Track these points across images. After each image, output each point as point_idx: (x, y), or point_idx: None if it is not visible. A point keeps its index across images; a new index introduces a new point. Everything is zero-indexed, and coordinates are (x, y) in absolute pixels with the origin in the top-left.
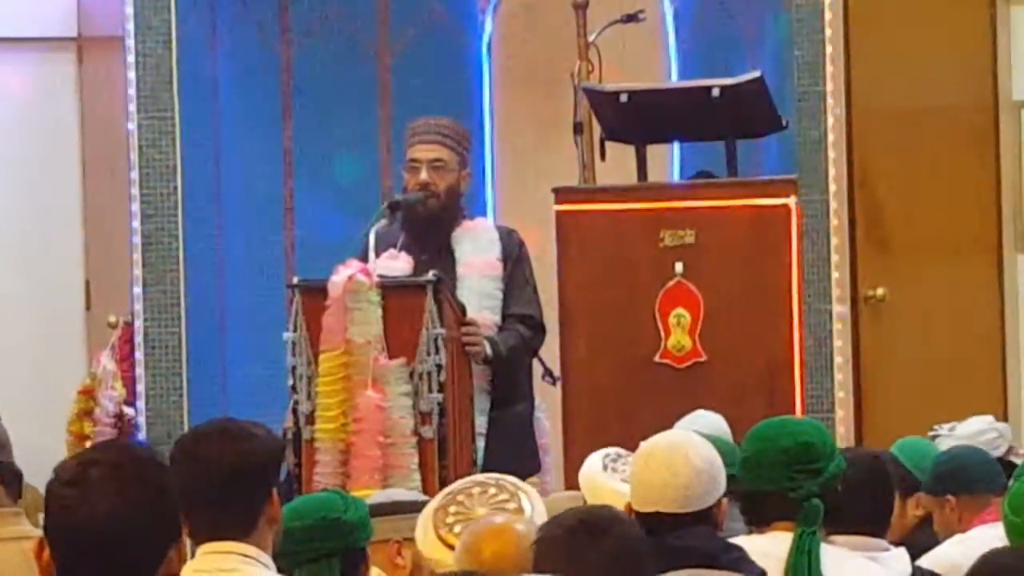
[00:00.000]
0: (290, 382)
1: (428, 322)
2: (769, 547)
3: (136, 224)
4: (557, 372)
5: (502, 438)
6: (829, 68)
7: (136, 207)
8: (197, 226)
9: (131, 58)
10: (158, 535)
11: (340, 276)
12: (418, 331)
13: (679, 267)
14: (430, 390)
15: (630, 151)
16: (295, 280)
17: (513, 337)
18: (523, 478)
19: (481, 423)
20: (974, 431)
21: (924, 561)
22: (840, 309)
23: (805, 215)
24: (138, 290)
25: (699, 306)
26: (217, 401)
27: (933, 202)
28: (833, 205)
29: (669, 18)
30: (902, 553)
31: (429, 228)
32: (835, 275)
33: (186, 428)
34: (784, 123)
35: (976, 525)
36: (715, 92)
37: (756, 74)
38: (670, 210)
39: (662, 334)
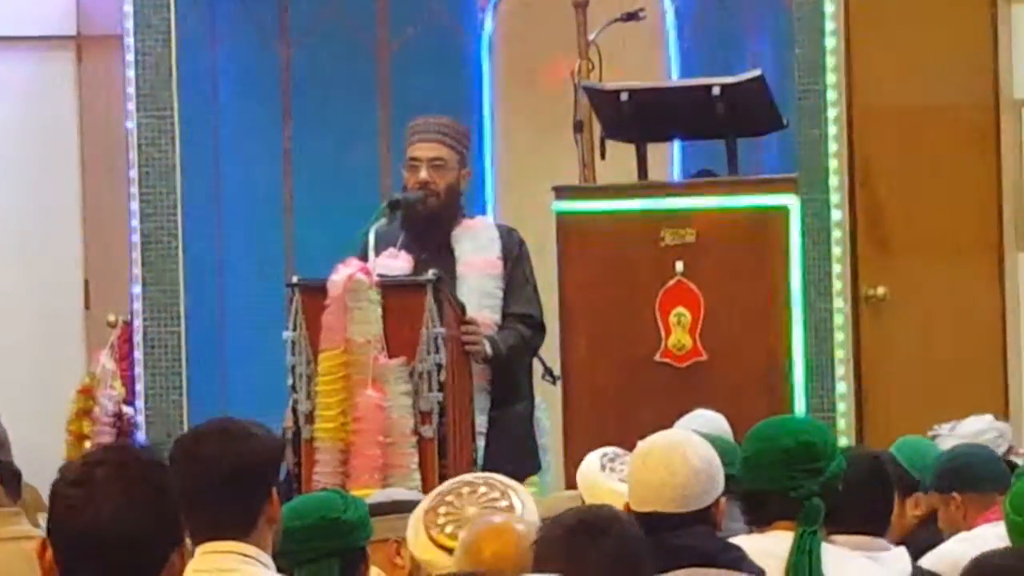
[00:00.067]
0: (290, 381)
1: (428, 321)
2: (770, 547)
3: (135, 223)
4: (557, 371)
5: (502, 437)
6: (830, 67)
7: (135, 206)
8: (196, 225)
9: (130, 57)
10: (161, 537)
11: (340, 275)
12: (418, 330)
13: (679, 266)
14: (430, 389)
15: (630, 150)
16: (295, 279)
17: (513, 336)
18: (523, 477)
19: (481, 422)
20: (974, 430)
21: (928, 559)
22: (841, 308)
23: (806, 214)
24: (137, 289)
25: (699, 305)
26: (216, 400)
27: (934, 201)
28: (834, 204)
29: (670, 17)
30: (902, 553)
31: (429, 227)
32: (836, 274)
33: (185, 427)
34: (785, 122)
35: (980, 523)
36: (715, 91)
37: (757, 73)
38: (670, 209)
39: (662, 333)
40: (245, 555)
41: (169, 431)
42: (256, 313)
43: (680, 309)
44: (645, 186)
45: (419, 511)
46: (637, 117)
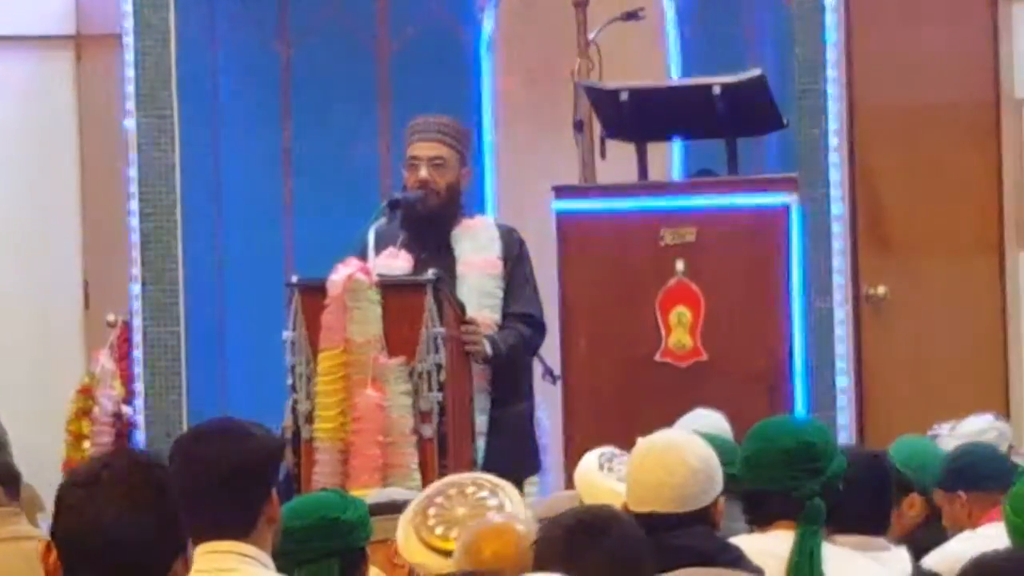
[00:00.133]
0: (289, 381)
1: (428, 321)
2: (771, 546)
3: (135, 223)
4: (557, 371)
5: (502, 437)
6: (830, 66)
7: (135, 206)
8: (196, 225)
9: (130, 56)
10: (165, 543)
11: (339, 275)
12: (418, 330)
13: (680, 265)
14: (430, 389)
15: (630, 149)
16: (294, 279)
17: (513, 336)
18: (523, 478)
19: (481, 422)
20: (975, 430)
21: (932, 557)
22: (841, 307)
23: (806, 213)
24: (137, 289)
25: (700, 305)
26: (216, 400)
27: (934, 200)
28: (834, 203)
29: (670, 16)
30: (903, 552)
31: (429, 226)
32: (836, 273)
33: (185, 427)
34: (785, 121)
35: (985, 523)
36: (716, 90)
37: (757, 72)
38: (671, 208)
39: (663, 333)
40: (245, 555)
41: (168, 431)
42: (256, 313)
43: (680, 309)
44: (645, 186)
45: (408, 514)
46: (637, 117)
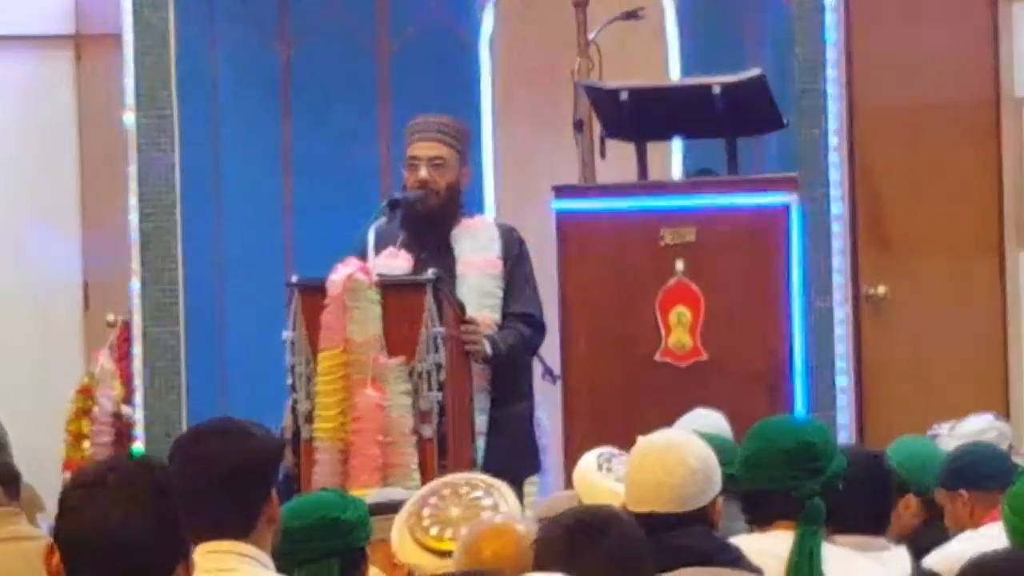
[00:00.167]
0: (289, 381)
1: (428, 321)
2: (770, 546)
3: (135, 223)
4: (557, 371)
5: (502, 437)
6: (830, 65)
7: (135, 206)
8: (196, 225)
9: (129, 56)
10: (167, 547)
11: (339, 274)
12: (418, 330)
13: (680, 265)
14: (430, 389)
15: (630, 149)
16: (294, 279)
17: (513, 336)
18: (523, 478)
19: (481, 422)
20: (974, 430)
21: (933, 557)
22: (841, 307)
23: (806, 213)
24: (137, 289)
25: (700, 304)
26: (216, 400)
27: (934, 200)
28: (834, 203)
29: (670, 16)
30: (903, 552)
31: (429, 226)
32: (836, 273)
33: (184, 427)
34: (785, 121)
35: (988, 522)
36: (716, 90)
37: (757, 72)
38: (670, 208)
39: (663, 333)
40: (244, 555)
41: (168, 431)
42: (255, 313)
43: (680, 308)
44: (645, 185)
45: (402, 514)
46: (637, 116)
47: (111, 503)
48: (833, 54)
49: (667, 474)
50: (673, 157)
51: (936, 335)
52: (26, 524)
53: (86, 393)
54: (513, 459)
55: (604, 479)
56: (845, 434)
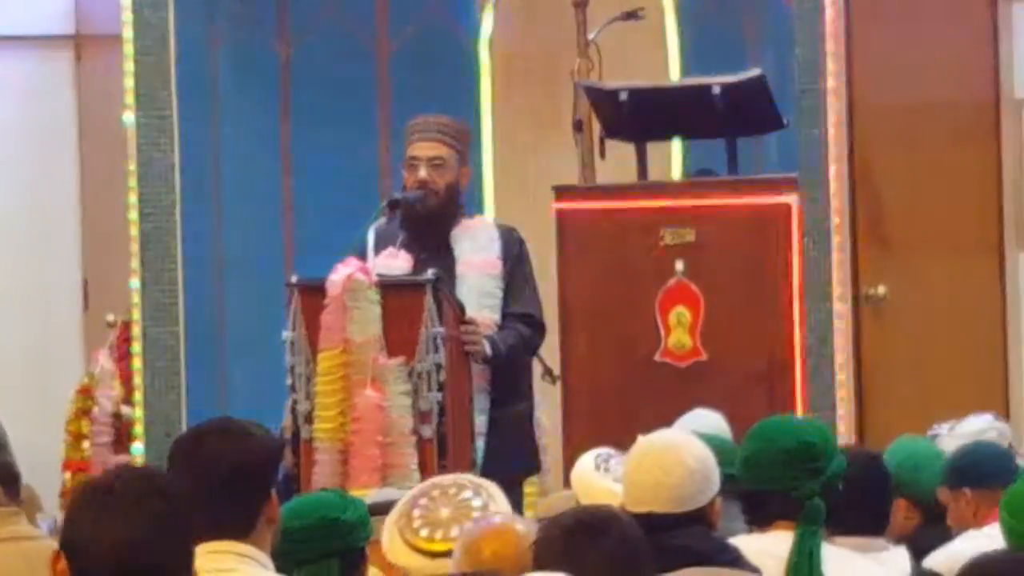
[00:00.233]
0: (289, 381)
1: (427, 321)
2: (770, 547)
3: (135, 223)
4: (557, 371)
5: (502, 437)
6: (830, 66)
7: (135, 205)
8: (195, 225)
9: (129, 56)
10: (173, 555)
11: (339, 275)
12: (417, 330)
13: (679, 266)
14: (429, 389)
15: (630, 149)
16: (294, 279)
17: (513, 336)
18: (523, 478)
19: (481, 422)
20: (974, 430)
21: (935, 557)
22: (841, 307)
23: (806, 213)
24: (136, 289)
25: (699, 305)
26: (215, 401)
27: (934, 200)
28: (834, 203)
29: (670, 16)
30: (903, 552)
31: (428, 226)
32: (836, 273)
33: (184, 427)
34: (785, 121)
35: (991, 521)
36: (716, 90)
37: (757, 72)
38: (670, 208)
39: (662, 333)
40: (244, 555)
41: (168, 431)
42: (255, 313)
43: (680, 309)
44: (645, 186)
45: (392, 516)
46: (637, 116)
47: (117, 511)
48: (833, 55)
49: (665, 474)
50: (673, 157)
51: (936, 335)
52: (26, 524)
53: (86, 393)
54: (513, 459)
55: (602, 479)
56: (845, 435)
